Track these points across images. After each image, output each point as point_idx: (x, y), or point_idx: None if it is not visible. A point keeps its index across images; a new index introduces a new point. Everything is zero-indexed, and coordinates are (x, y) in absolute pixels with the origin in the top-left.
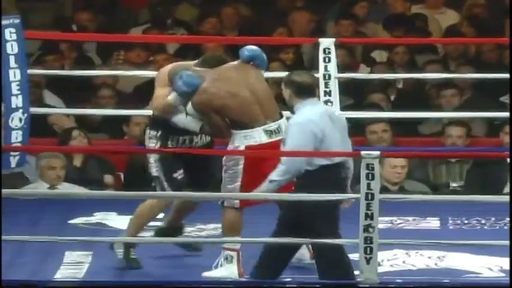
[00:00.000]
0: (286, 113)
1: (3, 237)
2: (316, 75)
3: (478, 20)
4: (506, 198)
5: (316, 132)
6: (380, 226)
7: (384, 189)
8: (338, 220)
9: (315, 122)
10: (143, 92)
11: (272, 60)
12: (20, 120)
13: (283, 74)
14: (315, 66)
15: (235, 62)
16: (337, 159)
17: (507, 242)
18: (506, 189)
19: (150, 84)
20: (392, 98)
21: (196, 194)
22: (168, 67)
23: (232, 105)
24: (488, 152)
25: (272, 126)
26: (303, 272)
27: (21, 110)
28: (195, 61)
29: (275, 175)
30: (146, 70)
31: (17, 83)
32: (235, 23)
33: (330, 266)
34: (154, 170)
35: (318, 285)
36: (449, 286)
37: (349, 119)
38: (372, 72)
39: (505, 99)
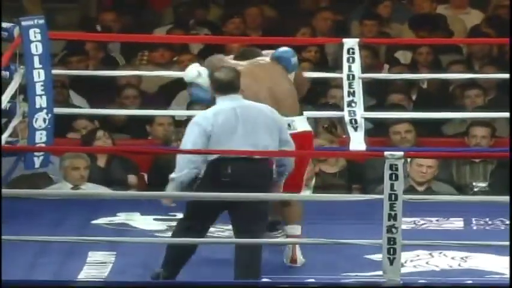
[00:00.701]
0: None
1: (28, 237)
2: (340, 75)
3: (501, 20)
4: None
5: (204, 129)
6: (403, 227)
7: (411, 189)
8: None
9: (206, 119)
10: (167, 92)
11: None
12: (44, 120)
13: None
14: (339, 66)
15: (267, 59)
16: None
17: None
18: None
19: (174, 84)
20: (414, 98)
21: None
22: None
23: (245, 97)
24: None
25: None
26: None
27: (45, 111)
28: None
29: (173, 173)
30: (170, 70)
31: (41, 83)
32: (259, 23)
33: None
34: None
35: (341, 285)
36: (473, 287)
37: (372, 120)
38: (393, 72)
39: None
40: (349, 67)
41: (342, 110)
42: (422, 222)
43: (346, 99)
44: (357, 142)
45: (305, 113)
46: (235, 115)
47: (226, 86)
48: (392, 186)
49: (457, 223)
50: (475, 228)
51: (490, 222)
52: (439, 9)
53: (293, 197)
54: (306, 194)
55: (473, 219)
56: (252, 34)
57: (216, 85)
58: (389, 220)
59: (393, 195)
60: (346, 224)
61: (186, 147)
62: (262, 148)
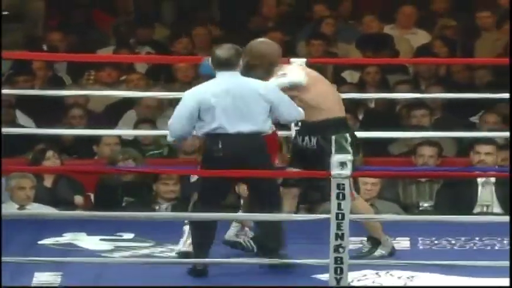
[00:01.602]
0: None
1: None
2: None
3: (448, 41)
4: (476, 218)
5: (194, 102)
6: (350, 246)
7: None
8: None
9: (198, 93)
10: (114, 112)
11: None
12: None
13: None
14: None
15: None
16: (234, 129)
17: (476, 263)
18: (476, 209)
19: (121, 103)
20: (360, 117)
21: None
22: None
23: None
24: (460, 172)
25: None
26: None
27: None
28: None
29: (168, 137)
30: (117, 90)
31: None
32: (206, 43)
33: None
34: None
35: None
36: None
37: None
38: (340, 92)
39: (475, 119)
40: None
41: (289, 129)
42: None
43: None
44: None
45: None
46: (228, 90)
47: (224, 62)
48: (339, 205)
49: (404, 242)
50: (421, 247)
51: (436, 242)
52: (385, 30)
53: (241, 216)
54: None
55: (419, 238)
56: (200, 54)
57: (215, 61)
58: (336, 239)
59: (340, 215)
60: (294, 244)
61: (176, 115)
62: (252, 122)
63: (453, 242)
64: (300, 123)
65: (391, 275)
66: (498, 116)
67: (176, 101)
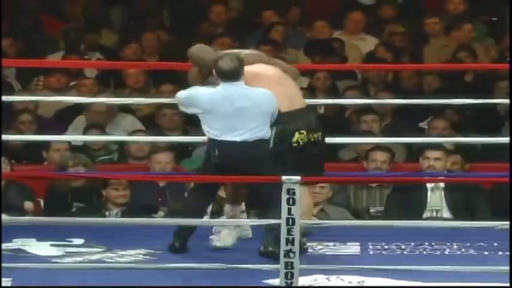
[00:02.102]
0: None
1: None
2: None
3: (392, 47)
4: (426, 223)
5: (198, 100)
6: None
7: None
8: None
9: (204, 94)
10: (63, 118)
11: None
12: None
13: None
14: None
15: None
16: (232, 138)
17: (426, 267)
18: (426, 214)
19: (70, 109)
20: None
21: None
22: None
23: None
24: (413, 177)
25: None
26: None
27: None
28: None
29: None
30: (66, 95)
31: None
32: (156, 49)
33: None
34: None
35: None
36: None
37: None
38: None
39: (424, 124)
40: None
41: None
42: (319, 247)
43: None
44: None
45: (201, 138)
46: (230, 99)
47: (229, 74)
48: (289, 210)
49: (354, 248)
50: (371, 253)
51: (386, 247)
52: (334, 35)
53: (184, 222)
54: None
55: (369, 243)
56: (149, 59)
57: (219, 73)
58: (286, 245)
59: (290, 220)
60: (246, 249)
61: (181, 94)
62: (249, 132)
63: (403, 247)
64: None
65: (341, 279)
66: (446, 121)
67: (126, 107)
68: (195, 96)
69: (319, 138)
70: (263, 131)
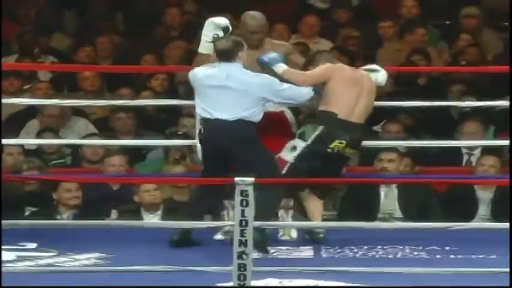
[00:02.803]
0: None
1: None
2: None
3: (351, 51)
4: (378, 225)
5: (195, 76)
6: (254, 255)
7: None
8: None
9: (198, 73)
10: (16, 121)
11: (144, 89)
12: None
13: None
14: (190, 95)
15: None
16: (214, 115)
17: (379, 269)
18: (379, 217)
19: (23, 113)
20: None
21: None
22: None
23: None
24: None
25: None
26: None
27: None
28: None
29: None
30: (20, 98)
31: None
32: (109, 52)
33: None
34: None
35: None
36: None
37: None
38: None
39: (378, 128)
40: None
41: (192, 138)
42: (273, 250)
43: (199, 126)
44: None
45: (155, 142)
46: (221, 77)
47: (221, 53)
48: (243, 212)
49: (307, 251)
50: (324, 256)
51: (339, 250)
52: (292, 39)
53: (137, 223)
54: None
55: (322, 247)
56: (103, 62)
57: (215, 51)
58: (240, 246)
59: (244, 221)
60: (199, 251)
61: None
62: (231, 111)
63: (356, 250)
64: None
65: (294, 283)
66: (400, 125)
67: (79, 110)
68: (195, 73)
69: (350, 156)
70: (246, 112)
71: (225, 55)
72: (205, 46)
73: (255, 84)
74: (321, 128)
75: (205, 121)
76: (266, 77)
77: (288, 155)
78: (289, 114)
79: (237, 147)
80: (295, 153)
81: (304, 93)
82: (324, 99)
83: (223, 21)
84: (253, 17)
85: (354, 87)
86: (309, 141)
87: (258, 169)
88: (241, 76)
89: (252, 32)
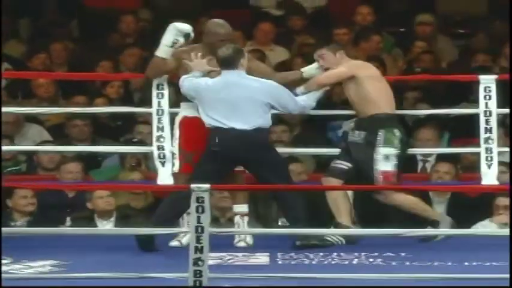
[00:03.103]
0: None
1: None
2: (149, 110)
3: (308, 57)
4: (333, 231)
5: (199, 84)
6: (210, 262)
7: (214, 220)
8: None
9: (200, 83)
10: None
11: (99, 96)
12: None
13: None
14: (146, 102)
15: None
16: (229, 125)
17: (337, 275)
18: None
19: None
20: None
21: None
22: None
23: None
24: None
25: None
26: None
27: None
28: None
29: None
30: None
31: None
32: (64, 59)
33: None
34: None
35: None
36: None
37: None
38: None
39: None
40: (159, 102)
41: (148, 145)
42: (228, 257)
43: (155, 134)
44: (165, 177)
45: (111, 148)
46: (227, 87)
47: (224, 61)
48: (198, 218)
49: (263, 258)
50: (280, 262)
51: (295, 257)
52: (246, 46)
53: (92, 231)
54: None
55: (278, 253)
56: (58, 69)
57: (218, 60)
58: (195, 253)
59: (200, 228)
60: (155, 257)
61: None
62: (246, 120)
63: (312, 256)
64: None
65: None
66: None
67: (33, 117)
68: (197, 84)
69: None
70: (261, 119)
71: (227, 63)
72: (163, 50)
73: (258, 89)
74: (395, 130)
75: (220, 131)
76: (269, 82)
77: (388, 166)
78: None
79: (256, 155)
80: (393, 162)
81: (305, 106)
82: (371, 103)
83: (185, 27)
84: (222, 25)
85: (382, 80)
86: (397, 145)
87: (275, 178)
88: (245, 83)
89: (220, 40)
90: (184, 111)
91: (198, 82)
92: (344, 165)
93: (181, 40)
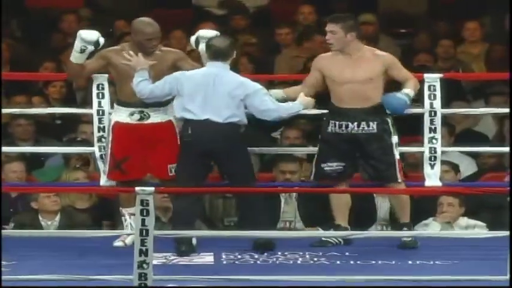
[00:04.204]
0: None
1: None
2: (90, 111)
3: (252, 57)
4: (280, 233)
5: (177, 81)
6: (154, 262)
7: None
8: None
9: (184, 76)
10: None
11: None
12: None
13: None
14: (89, 102)
15: None
16: (203, 117)
17: (279, 277)
18: (280, 225)
19: None
20: None
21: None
22: None
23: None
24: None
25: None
26: None
27: None
28: None
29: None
30: None
31: None
32: (7, 59)
33: None
34: None
35: None
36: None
37: None
38: None
39: (276, 134)
40: (99, 103)
41: (92, 145)
42: (173, 257)
43: (97, 134)
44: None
45: (53, 148)
46: (207, 81)
47: (218, 52)
48: (143, 221)
49: (208, 258)
50: (225, 262)
51: (239, 257)
52: (189, 46)
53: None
54: None
55: (223, 253)
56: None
57: (208, 51)
58: (140, 255)
59: (144, 231)
60: (99, 260)
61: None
62: (223, 116)
63: (256, 256)
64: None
65: None
66: (299, 131)
67: None
68: (174, 79)
69: None
70: (236, 117)
71: (220, 54)
72: (73, 56)
73: (239, 86)
74: (389, 119)
75: (194, 123)
76: (253, 83)
77: (397, 155)
78: (175, 124)
79: (226, 149)
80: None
81: (278, 113)
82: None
83: (90, 36)
84: (149, 24)
85: None
86: (394, 132)
87: (241, 174)
88: (228, 77)
89: (148, 39)
90: (116, 115)
91: (175, 76)
92: (339, 166)
93: (90, 47)
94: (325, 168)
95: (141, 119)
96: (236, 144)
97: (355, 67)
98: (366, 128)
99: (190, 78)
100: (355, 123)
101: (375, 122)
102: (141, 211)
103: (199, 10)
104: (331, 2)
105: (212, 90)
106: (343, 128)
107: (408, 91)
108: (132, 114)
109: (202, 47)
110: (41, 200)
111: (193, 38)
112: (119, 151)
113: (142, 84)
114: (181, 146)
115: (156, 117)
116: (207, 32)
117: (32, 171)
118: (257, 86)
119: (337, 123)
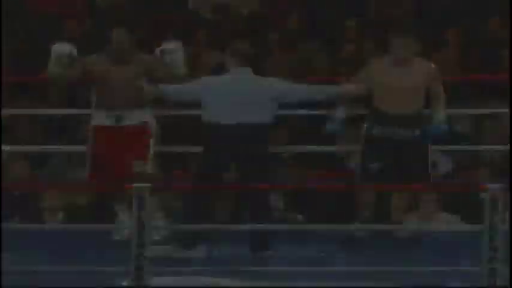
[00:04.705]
0: None
1: None
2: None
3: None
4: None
5: (202, 85)
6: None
7: None
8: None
9: (209, 81)
10: None
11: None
12: None
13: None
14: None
15: None
16: (224, 121)
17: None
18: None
19: None
20: None
21: None
22: None
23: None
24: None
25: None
26: None
27: None
28: None
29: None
30: None
31: None
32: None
33: None
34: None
35: None
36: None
37: None
38: None
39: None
40: None
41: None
42: (170, 250)
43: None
44: None
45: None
46: (233, 86)
47: (245, 58)
48: (140, 215)
49: (204, 251)
50: (221, 255)
51: (235, 250)
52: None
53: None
54: None
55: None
56: None
57: (238, 56)
58: (137, 248)
59: (141, 224)
60: (98, 252)
61: (186, 84)
62: (247, 119)
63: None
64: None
65: (190, 282)
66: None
67: None
68: (206, 80)
69: None
70: (264, 116)
71: (247, 60)
72: (49, 70)
73: (267, 87)
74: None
75: (221, 126)
76: (273, 79)
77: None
78: (152, 126)
79: (253, 151)
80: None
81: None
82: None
83: (61, 49)
84: (118, 32)
85: None
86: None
87: (265, 173)
88: (256, 79)
89: (121, 48)
90: (96, 119)
91: (207, 80)
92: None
93: (65, 60)
94: (370, 170)
95: (117, 121)
96: (264, 145)
97: (405, 74)
98: (409, 134)
99: (218, 83)
100: (401, 129)
101: (418, 129)
102: (138, 205)
103: (195, 15)
104: (321, 7)
105: (242, 94)
106: (388, 132)
107: (443, 117)
108: (109, 117)
109: (165, 58)
110: (44, 197)
111: (157, 51)
112: (98, 155)
113: (173, 89)
114: (205, 153)
115: (131, 120)
116: (169, 44)
117: (35, 170)
118: (281, 81)
119: (380, 127)
